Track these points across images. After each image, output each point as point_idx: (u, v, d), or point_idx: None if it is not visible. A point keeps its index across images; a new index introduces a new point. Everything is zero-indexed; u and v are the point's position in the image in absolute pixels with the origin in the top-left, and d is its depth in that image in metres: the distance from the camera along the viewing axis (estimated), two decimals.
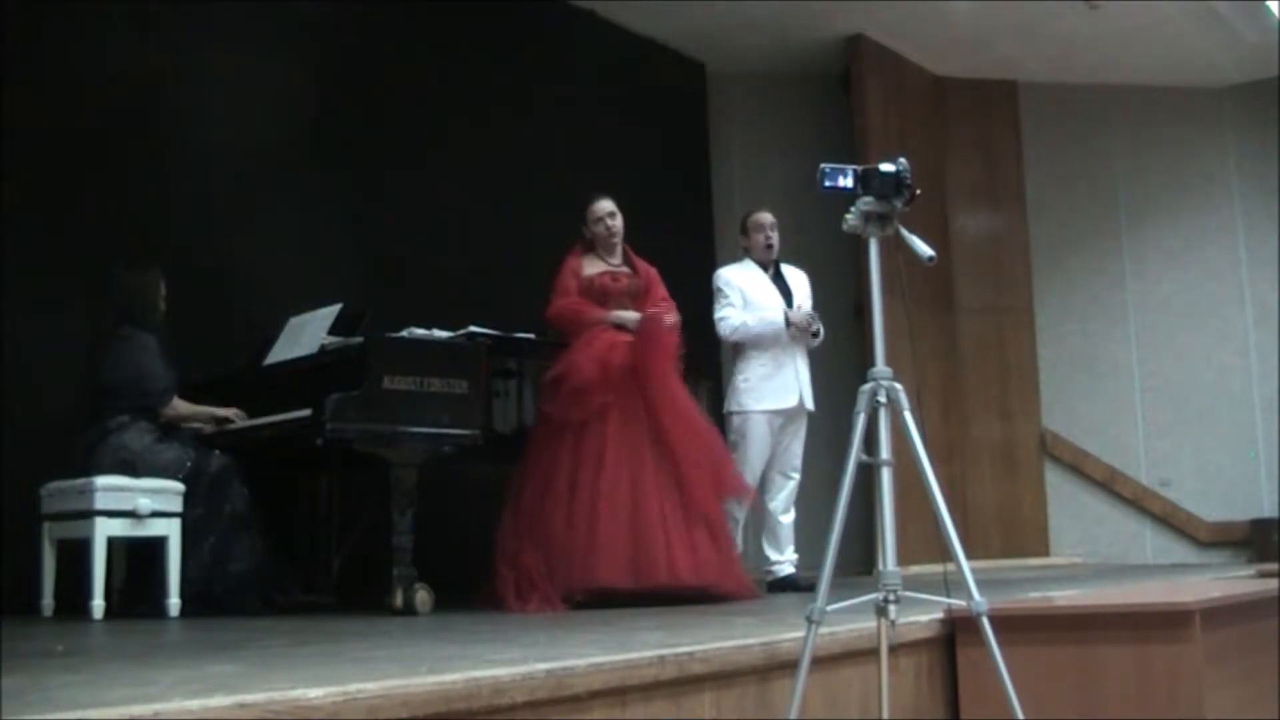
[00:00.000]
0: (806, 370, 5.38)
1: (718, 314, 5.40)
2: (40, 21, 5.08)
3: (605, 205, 4.93)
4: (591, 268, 4.89)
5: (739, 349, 5.42)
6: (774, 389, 5.30)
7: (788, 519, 5.37)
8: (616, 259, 4.96)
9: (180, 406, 4.62)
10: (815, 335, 5.37)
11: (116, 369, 4.50)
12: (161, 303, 4.71)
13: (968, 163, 8.79)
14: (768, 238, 5.44)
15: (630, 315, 4.79)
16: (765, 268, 5.46)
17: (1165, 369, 8.70)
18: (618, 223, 4.92)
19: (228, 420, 4.62)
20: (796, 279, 5.52)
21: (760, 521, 5.43)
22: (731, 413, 5.36)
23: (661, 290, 4.96)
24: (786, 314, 5.29)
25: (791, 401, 5.31)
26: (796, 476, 5.39)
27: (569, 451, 4.49)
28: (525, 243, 6.13)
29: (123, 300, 4.64)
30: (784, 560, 5.35)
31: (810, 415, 5.43)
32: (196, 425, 4.65)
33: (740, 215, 5.74)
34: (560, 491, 4.45)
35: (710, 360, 6.02)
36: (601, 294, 4.82)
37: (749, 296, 5.38)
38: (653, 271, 4.99)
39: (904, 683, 3.00)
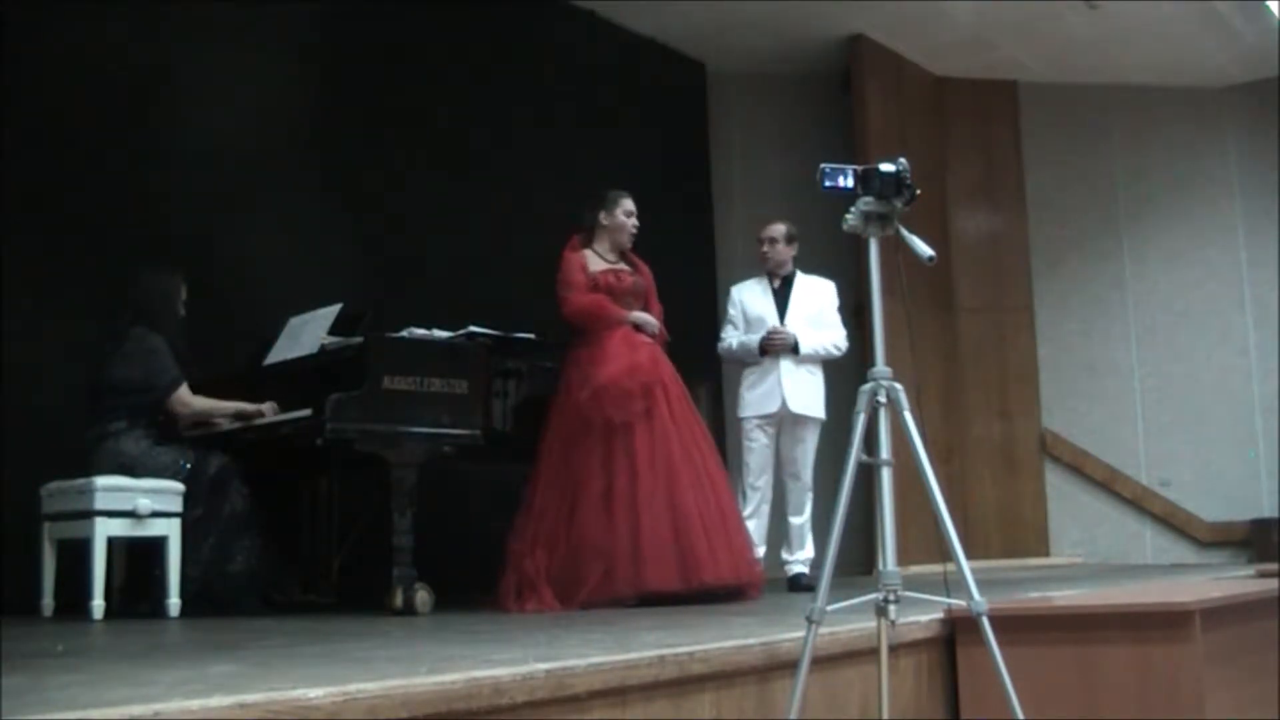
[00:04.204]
0: (797, 377, 5.44)
1: (720, 331, 5.69)
2: (39, 21, 5.07)
3: (632, 204, 4.96)
4: (594, 265, 4.89)
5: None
6: (757, 397, 5.46)
7: (797, 520, 5.47)
8: (614, 256, 4.96)
9: (195, 401, 4.57)
10: (794, 350, 5.43)
11: (123, 367, 4.49)
12: (181, 308, 4.70)
13: (968, 163, 8.79)
14: (764, 253, 5.58)
15: (648, 318, 4.82)
16: (773, 280, 5.57)
17: (1165, 369, 8.70)
18: (636, 223, 4.96)
19: (254, 414, 4.54)
20: (806, 291, 5.57)
21: (781, 524, 5.55)
22: (738, 419, 5.58)
23: (654, 294, 4.99)
24: (762, 339, 5.44)
25: (772, 408, 5.42)
26: (802, 480, 5.47)
27: (598, 457, 4.50)
28: (525, 242, 6.14)
29: (139, 302, 4.63)
30: (793, 560, 5.44)
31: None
32: (214, 423, 4.61)
33: (755, 227, 5.85)
34: (594, 498, 4.46)
35: (709, 363, 6.03)
36: (608, 293, 4.81)
37: (749, 312, 5.55)
38: (646, 268, 5.01)
39: (904, 683, 3.00)
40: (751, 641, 2.57)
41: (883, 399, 2.59)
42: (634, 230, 4.93)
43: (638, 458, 4.48)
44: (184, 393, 4.55)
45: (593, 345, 4.67)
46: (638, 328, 4.78)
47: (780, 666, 2.57)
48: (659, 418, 4.56)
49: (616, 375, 4.56)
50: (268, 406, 4.53)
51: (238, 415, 4.57)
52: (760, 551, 5.32)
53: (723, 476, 4.74)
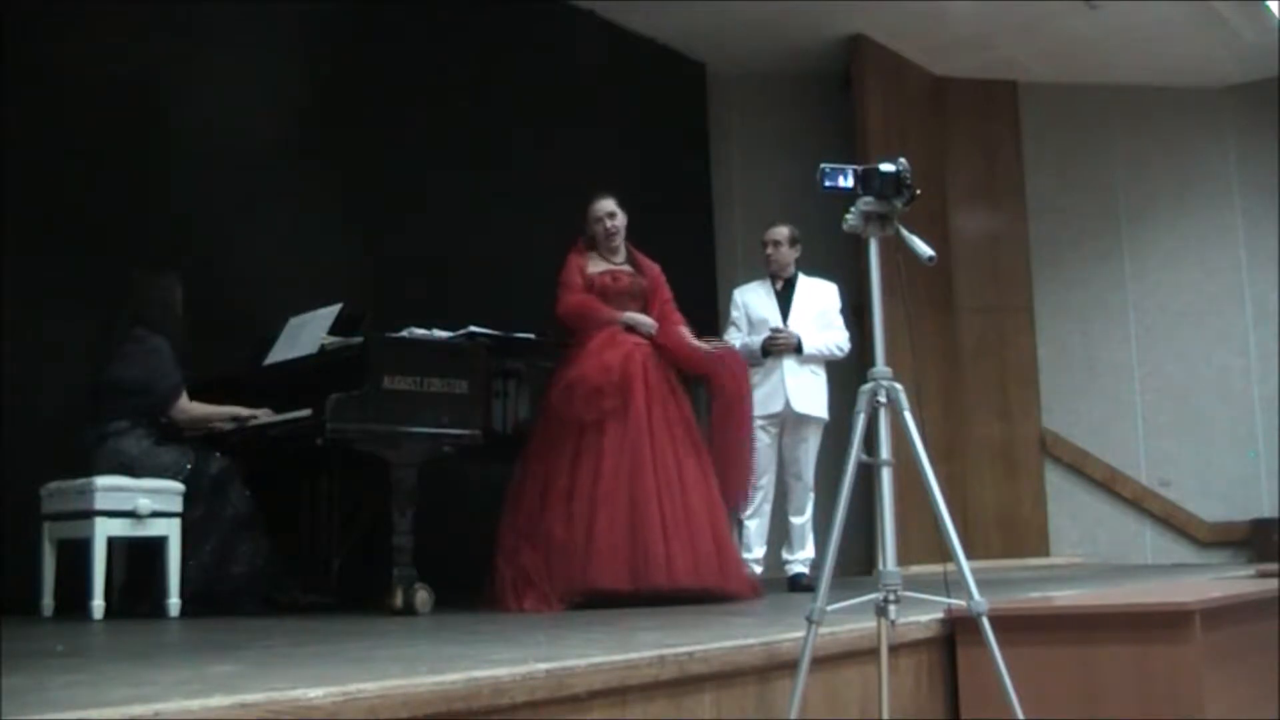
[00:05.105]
0: (801, 377, 5.44)
1: (724, 334, 5.65)
2: (40, 21, 5.07)
3: (604, 205, 4.93)
4: (594, 266, 4.90)
5: None
6: (761, 397, 5.42)
7: (798, 520, 5.47)
8: (619, 258, 4.96)
9: (193, 408, 4.57)
10: (797, 350, 5.43)
11: (124, 367, 4.49)
12: (179, 307, 4.69)
13: (968, 163, 8.79)
14: (768, 256, 5.59)
15: (642, 318, 4.81)
16: (775, 282, 5.59)
17: (1165, 369, 8.70)
18: (617, 222, 4.92)
19: (249, 418, 4.53)
20: (808, 292, 5.58)
21: (782, 524, 5.54)
22: None
23: (666, 293, 4.97)
24: (764, 340, 5.45)
25: (775, 407, 5.42)
26: (803, 480, 5.47)
27: (569, 453, 4.50)
28: (525, 243, 6.14)
29: (136, 304, 4.63)
30: (793, 560, 5.45)
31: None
32: (213, 427, 4.59)
33: (755, 227, 5.94)
34: (559, 493, 4.46)
35: None
36: (601, 294, 4.82)
37: (752, 314, 5.57)
38: (658, 271, 5.00)
39: (904, 683, 3.00)
40: (751, 641, 2.57)
41: (883, 399, 2.59)
42: (610, 229, 4.90)
43: (604, 456, 4.47)
44: (184, 400, 4.55)
45: (579, 345, 4.68)
46: (630, 329, 4.77)
47: (780, 666, 2.57)
48: (633, 417, 4.53)
49: (586, 372, 4.55)
50: (263, 413, 4.52)
51: (234, 419, 4.57)
52: (761, 551, 5.33)
53: (703, 482, 4.65)
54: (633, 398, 4.56)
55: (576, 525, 4.39)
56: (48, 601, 4.29)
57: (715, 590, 4.45)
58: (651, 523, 4.40)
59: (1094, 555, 8.43)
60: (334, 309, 4.67)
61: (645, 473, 4.47)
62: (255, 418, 4.52)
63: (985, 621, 2.53)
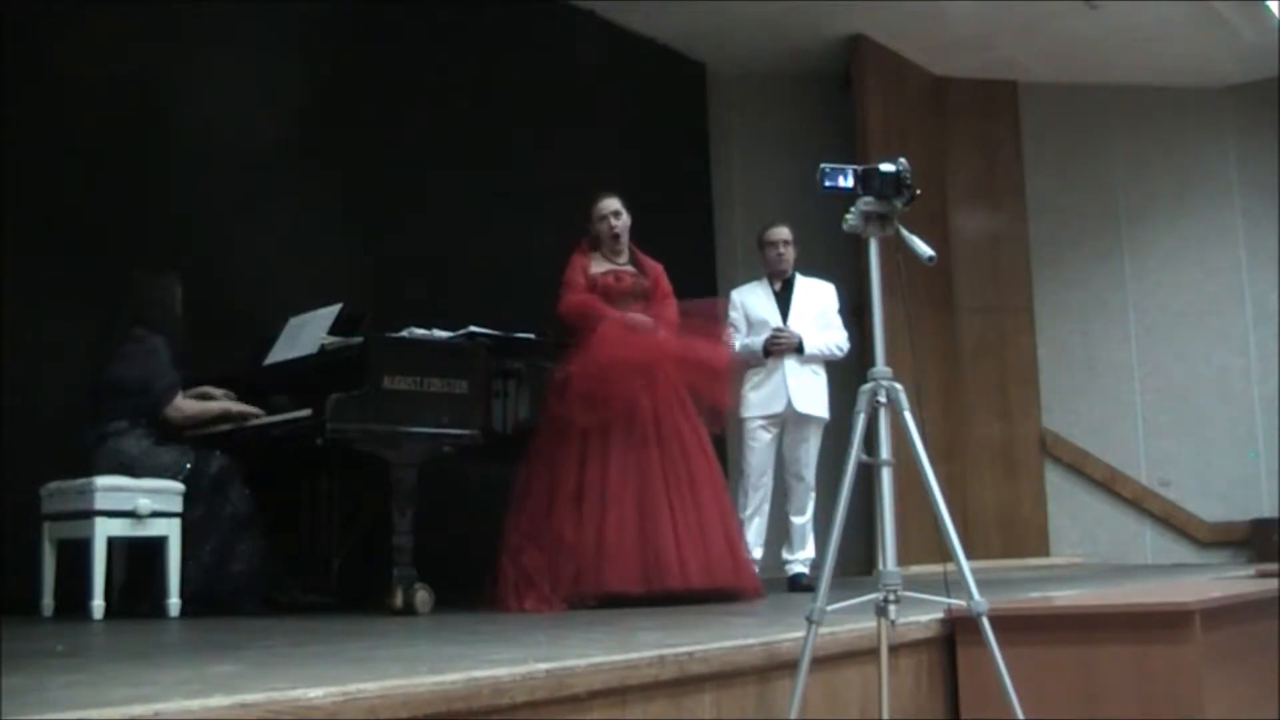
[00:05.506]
0: (802, 377, 5.44)
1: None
2: (40, 21, 5.07)
3: (609, 204, 4.93)
4: (597, 266, 4.90)
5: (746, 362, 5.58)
6: (761, 398, 5.45)
7: (799, 520, 5.48)
8: (622, 258, 4.96)
9: (186, 406, 4.57)
10: (798, 350, 5.43)
11: (125, 370, 4.49)
12: (179, 307, 4.69)
13: (968, 163, 8.79)
14: (779, 255, 5.58)
15: (642, 319, 4.80)
16: (774, 282, 5.58)
17: (1165, 369, 8.70)
18: (620, 222, 4.92)
19: (244, 416, 4.54)
20: (807, 292, 5.59)
21: (781, 524, 5.54)
22: (740, 419, 5.53)
23: (665, 286, 4.97)
24: (766, 340, 5.44)
25: (777, 408, 5.42)
26: (804, 480, 5.47)
27: (575, 454, 4.50)
28: (525, 243, 6.14)
29: (136, 304, 4.63)
30: (794, 559, 5.45)
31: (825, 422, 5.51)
32: (212, 427, 4.59)
33: (755, 227, 5.87)
34: (567, 494, 4.46)
35: None
36: (604, 294, 4.82)
37: (752, 315, 5.56)
38: (660, 270, 5.00)
39: (904, 683, 3.00)
40: (751, 641, 2.57)
41: (883, 399, 2.59)
42: (613, 230, 4.90)
43: (611, 456, 4.47)
44: (178, 399, 4.56)
45: (580, 344, 4.67)
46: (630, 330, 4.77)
47: (780, 666, 2.57)
48: (640, 420, 4.54)
49: (583, 373, 4.53)
50: (254, 409, 4.53)
51: (224, 417, 4.56)
52: (759, 552, 5.33)
53: (711, 484, 4.66)
54: (638, 399, 4.56)
55: (586, 527, 4.39)
56: (48, 601, 4.29)
57: (728, 589, 4.46)
58: (662, 525, 4.40)
59: (1094, 555, 8.43)
60: (334, 309, 4.67)
61: (654, 473, 4.47)
62: (247, 416, 4.53)
63: (985, 621, 2.53)
